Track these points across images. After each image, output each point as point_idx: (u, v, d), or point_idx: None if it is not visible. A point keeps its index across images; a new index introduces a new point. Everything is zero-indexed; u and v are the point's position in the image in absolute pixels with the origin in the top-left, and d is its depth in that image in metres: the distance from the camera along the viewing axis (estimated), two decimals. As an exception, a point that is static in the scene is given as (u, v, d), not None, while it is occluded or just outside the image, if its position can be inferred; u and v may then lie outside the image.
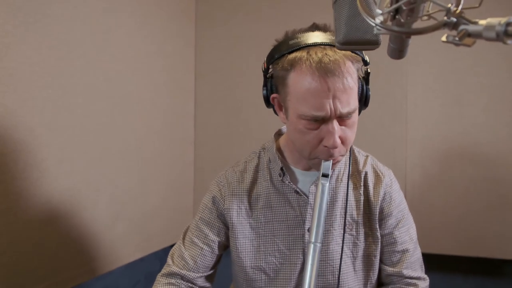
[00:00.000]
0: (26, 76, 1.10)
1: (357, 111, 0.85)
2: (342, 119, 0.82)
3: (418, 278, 0.98)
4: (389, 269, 0.97)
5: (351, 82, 0.80)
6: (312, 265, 0.76)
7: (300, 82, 0.80)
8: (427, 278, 1.01)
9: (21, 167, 1.09)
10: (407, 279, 0.96)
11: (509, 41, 0.35)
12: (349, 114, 0.82)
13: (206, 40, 2.07)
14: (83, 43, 1.28)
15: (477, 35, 0.37)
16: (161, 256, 2.10)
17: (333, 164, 0.84)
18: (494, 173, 1.74)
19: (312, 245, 0.77)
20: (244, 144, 1.99)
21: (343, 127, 0.83)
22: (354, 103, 0.82)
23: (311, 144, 0.84)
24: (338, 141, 0.81)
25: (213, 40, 2.07)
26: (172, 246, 1.92)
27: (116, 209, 1.44)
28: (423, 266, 1.03)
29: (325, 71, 0.77)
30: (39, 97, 1.14)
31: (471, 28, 0.38)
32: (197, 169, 2.09)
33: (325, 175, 0.82)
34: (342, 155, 0.87)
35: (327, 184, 0.81)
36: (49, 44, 1.17)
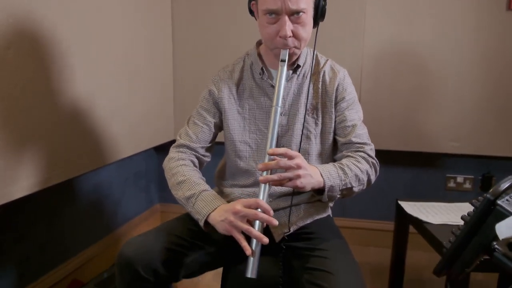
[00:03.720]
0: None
1: (308, 14, 1.07)
2: (293, 17, 1.05)
3: (364, 144, 1.22)
4: (342, 139, 1.25)
5: None
6: (274, 122, 1.05)
7: None
8: (372, 144, 1.27)
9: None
10: (355, 145, 1.20)
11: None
12: (297, 12, 1.04)
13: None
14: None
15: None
16: (145, 157, 2.37)
17: (289, 54, 1.08)
18: (431, 83, 2.02)
19: (273, 108, 1.06)
20: (218, 60, 2.17)
21: (295, 24, 1.06)
22: (304, 5, 1.04)
23: (271, 36, 1.08)
24: (289, 32, 1.05)
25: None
26: (156, 147, 2.18)
27: (111, 111, 1.67)
28: (369, 139, 1.27)
29: None
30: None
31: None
32: (176, 82, 2.29)
33: (283, 60, 1.08)
34: (296, 48, 1.10)
35: (285, 66, 1.08)
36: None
